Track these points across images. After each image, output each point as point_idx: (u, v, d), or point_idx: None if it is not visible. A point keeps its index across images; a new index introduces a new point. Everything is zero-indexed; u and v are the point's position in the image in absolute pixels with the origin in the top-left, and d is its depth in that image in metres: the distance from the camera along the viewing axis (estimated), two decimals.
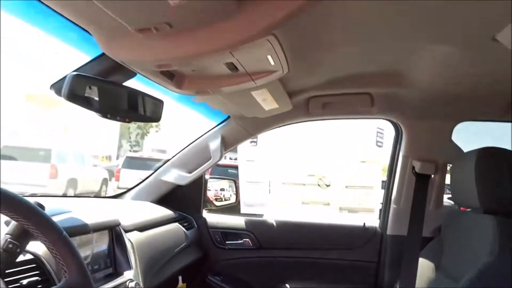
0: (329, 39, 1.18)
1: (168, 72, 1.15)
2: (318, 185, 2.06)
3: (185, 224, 1.96)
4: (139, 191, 2.05)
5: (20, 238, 0.85)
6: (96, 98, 1.09)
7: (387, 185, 2.07)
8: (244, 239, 2.05)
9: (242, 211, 2.30)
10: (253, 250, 2.06)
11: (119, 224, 1.33)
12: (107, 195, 2.32)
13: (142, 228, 1.56)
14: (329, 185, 2.06)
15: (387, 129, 2.00)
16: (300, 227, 2.12)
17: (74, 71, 1.14)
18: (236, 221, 2.13)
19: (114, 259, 1.28)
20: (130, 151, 19.29)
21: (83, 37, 1.11)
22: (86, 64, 1.16)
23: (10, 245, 0.83)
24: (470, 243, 1.44)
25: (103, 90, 1.12)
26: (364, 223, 2.08)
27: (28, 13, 1.09)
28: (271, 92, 1.50)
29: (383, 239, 2.02)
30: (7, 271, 0.87)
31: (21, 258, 0.90)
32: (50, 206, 0.99)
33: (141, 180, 2.10)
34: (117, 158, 20.18)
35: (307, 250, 2.06)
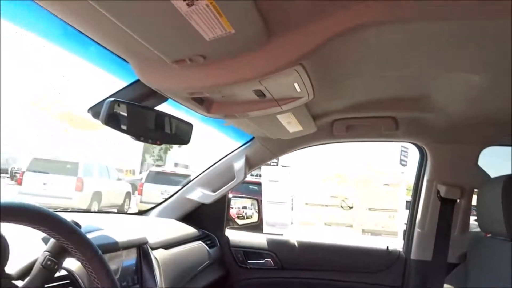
0: (355, 66, 1.21)
1: (199, 97, 1.21)
2: (341, 206, 2.05)
3: (208, 242, 1.99)
4: (164, 208, 2.10)
5: (58, 255, 0.90)
6: (131, 122, 1.16)
7: (411, 209, 2.05)
8: (266, 259, 2.06)
9: (264, 230, 2.32)
10: (274, 270, 2.06)
11: (146, 242, 1.38)
12: (133, 212, 2.38)
13: (167, 246, 1.60)
14: (351, 207, 2.04)
15: (412, 148, 1.99)
16: (322, 249, 2.12)
17: (110, 96, 1.21)
18: (258, 240, 2.15)
19: (141, 276, 1.32)
20: (153, 165, 19.59)
21: (119, 65, 1.18)
22: (122, 89, 1.23)
23: (49, 262, 0.88)
24: (495, 270, 1.41)
25: (137, 114, 1.18)
26: (388, 247, 2.06)
27: (69, 42, 1.17)
28: (296, 115, 1.53)
29: (407, 264, 2.00)
30: (45, 286, 0.92)
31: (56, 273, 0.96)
32: (84, 224, 1.05)
33: (166, 198, 2.16)
34: (141, 172, 20.54)
35: (329, 272, 2.05)
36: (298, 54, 0.94)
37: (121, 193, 11.76)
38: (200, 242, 1.91)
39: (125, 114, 1.15)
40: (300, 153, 2.12)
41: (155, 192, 10.06)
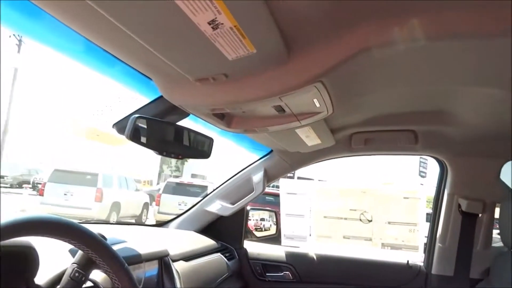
0: (374, 82, 1.22)
1: (220, 113, 1.24)
2: (360, 220, 2.03)
3: (226, 255, 2.01)
4: (184, 220, 2.13)
5: (85, 267, 0.93)
6: (154, 137, 1.20)
7: (432, 223, 2.02)
8: (284, 272, 2.06)
9: (282, 243, 2.32)
10: (293, 283, 2.06)
11: (168, 255, 1.41)
12: (153, 224, 2.42)
13: (187, 258, 1.62)
14: (371, 221, 2.02)
15: (431, 159, 1.98)
16: (341, 262, 2.10)
17: (134, 112, 1.25)
18: (276, 252, 2.15)
19: None
20: (171, 176, 19.78)
21: (143, 82, 1.22)
22: (145, 105, 1.27)
23: (77, 274, 0.91)
24: None
25: (160, 130, 1.22)
26: (408, 261, 2.03)
27: (94, 60, 1.22)
28: (314, 129, 1.55)
29: (427, 278, 1.96)
30: None
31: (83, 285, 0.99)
32: (109, 236, 1.08)
33: (186, 210, 2.19)
34: (158, 183, 20.76)
35: (348, 285, 2.03)
36: (318, 72, 0.96)
37: (139, 203, 11.89)
38: (219, 254, 1.93)
39: (149, 130, 1.19)
40: (319, 166, 2.13)
41: (172, 203, 10.15)
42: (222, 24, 0.72)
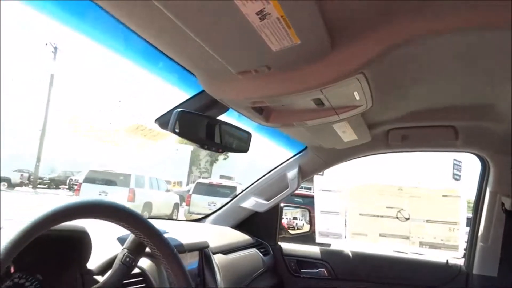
0: (415, 74, 1.20)
1: (259, 107, 1.26)
2: (397, 217, 1.99)
3: (261, 250, 2.03)
4: (219, 216, 2.16)
5: (135, 252, 0.98)
6: (195, 131, 1.23)
7: (473, 222, 1.96)
8: (319, 269, 2.06)
9: (317, 241, 2.31)
10: (328, 280, 2.05)
11: (208, 246, 1.44)
12: (190, 219, 2.47)
13: (225, 251, 1.65)
14: (408, 218, 1.97)
15: (465, 162, 1.92)
16: (377, 260, 2.07)
17: (177, 107, 1.30)
18: (311, 250, 2.15)
19: (203, 279, 1.37)
20: (200, 177, 20.05)
21: (185, 78, 1.26)
22: (187, 100, 1.31)
23: (127, 259, 0.95)
24: None
25: (201, 124, 1.26)
26: (447, 260, 1.98)
27: (140, 57, 1.27)
28: (351, 124, 1.54)
29: (469, 279, 1.91)
30: (123, 282, 1.00)
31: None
32: None
33: (221, 206, 2.23)
34: (187, 184, 21.09)
35: (385, 284, 2.00)
36: (360, 63, 0.96)
37: (170, 204, 12.13)
38: (254, 249, 1.95)
39: (190, 124, 1.22)
40: (355, 163, 2.11)
41: (202, 203, 10.29)
42: (270, 14, 0.74)
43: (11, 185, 15.85)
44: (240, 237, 1.98)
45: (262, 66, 0.96)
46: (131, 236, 0.97)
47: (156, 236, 0.87)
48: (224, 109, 1.32)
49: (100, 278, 1.00)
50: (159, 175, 14.13)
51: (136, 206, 10.15)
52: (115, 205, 0.81)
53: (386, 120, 1.71)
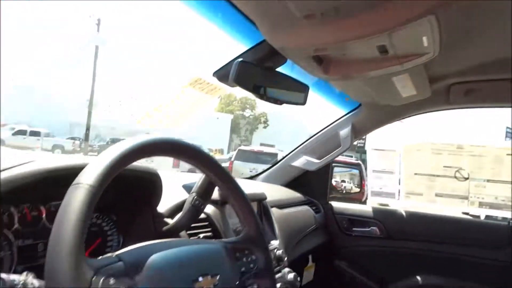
0: (490, 17, 1.12)
1: (318, 57, 1.23)
2: (455, 177, 1.92)
3: (313, 208, 2.04)
4: (270, 174, 2.18)
5: (204, 196, 1.01)
6: (255, 82, 1.23)
7: None
8: (371, 227, 2.04)
9: (369, 200, 2.29)
10: (381, 239, 2.04)
11: (266, 198, 1.46)
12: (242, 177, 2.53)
13: (280, 206, 1.67)
14: (467, 178, 1.90)
15: None
16: (433, 220, 2.03)
17: (237, 57, 1.29)
18: (362, 208, 2.14)
19: (263, 229, 1.41)
20: (240, 145, 20.33)
21: (244, 28, 1.25)
22: (246, 52, 1.30)
23: (197, 202, 0.99)
24: None
25: (260, 75, 1.25)
26: (510, 221, 1.90)
27: (202, 6, 1.26)
28: (412, 77, 1.47)
29: None
30: (192, 225, 1.04)
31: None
32: None
33: (271, 165, 2.25)
34: (228, 151, 21.47)
35: (440, 244, 1.96)
36: (433, 3, 0.90)
37: None
38: (306, 206, 1.97)
39: (249, 74, 1.22)
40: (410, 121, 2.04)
41: (244, 170, 10.46)
42: None
43: (65, 152, 17.06)
44: (292, 194, 2.00)
45: (330, 8, 0.92)
46: (200, 181, 1.00)
47: (228, 179, 0.90)
48: (282, 61, 1.30)
49: (170, 221, 1.05)
50: (201, 142, 14.48)
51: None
52: (197, 148, 0.83)
53: (450, 73, 1.62)
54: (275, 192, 1.87)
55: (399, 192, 2.05)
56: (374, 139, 2.15)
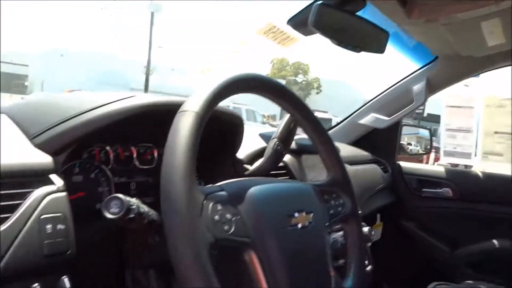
0: None
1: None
2: None
3: (381, 167, 1.98)
4: (335, 132, 2.13)
5: (284, 142, 1.01)
6: (334, 27, 1.17)
7: None
8: (443, 188, 1.94)
9: (441, 161, 2.18)
10: (452, 201, 1.94)
11: (340, 151, 1.43)
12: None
13: (349, 162, 1.63)
14: None
15: None
16: (510, 182, 1.89)
17: (311, 4, 1.23)
18: (433, 169, 2.04)
19: None
20: None
21: None
22: None
23: (278, 147, 0.99)
24: None
25: (340, 20, 1.18)
26: None
27: None
28: (503, 22, 1.34)
29: None
30: (271, 172, 1.05)
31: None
32: None
33: (336, 124, 2.19)
34: (281, 118, 21.41)
35: None
36: None
37: None
38: (374, 165, 1.91)
39: (328, 19, 1.16)
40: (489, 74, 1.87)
41: (304, 136, 10.43)
42: None
43: None
44: (359, 152, 1.95)
45: None
46: (281, 127, 0.99)
47: (314, 120, 0.88)
48: (362, 4, 1.22)
49: (249, 167, 1.06)
50: (254, 108, 14.53)
51: None
52: (285, 87, 0.82)
53: None
54: (342, 149, 1.82)
55: (475, 152, 1.91)
56: (449, 95, 2.00)
